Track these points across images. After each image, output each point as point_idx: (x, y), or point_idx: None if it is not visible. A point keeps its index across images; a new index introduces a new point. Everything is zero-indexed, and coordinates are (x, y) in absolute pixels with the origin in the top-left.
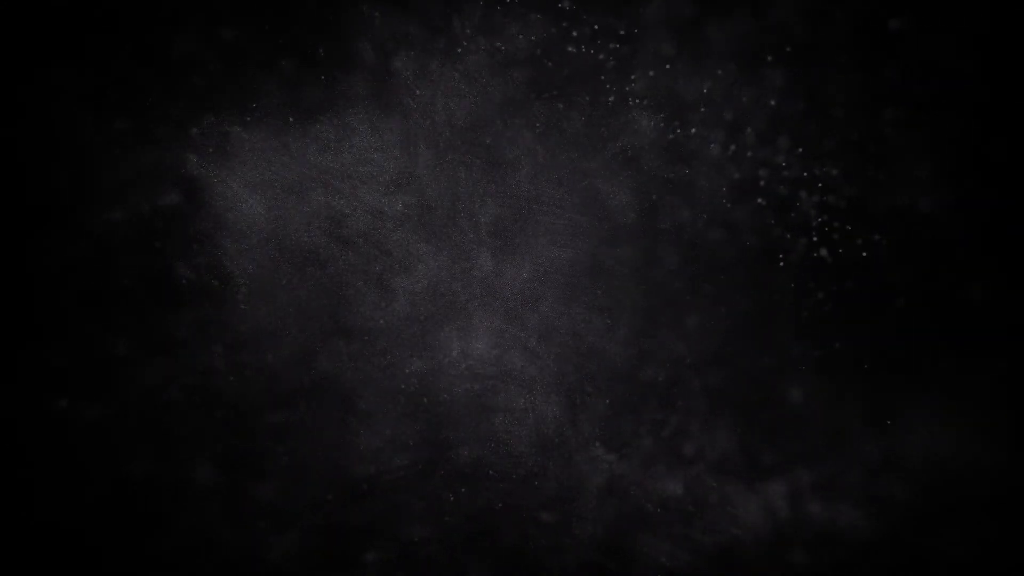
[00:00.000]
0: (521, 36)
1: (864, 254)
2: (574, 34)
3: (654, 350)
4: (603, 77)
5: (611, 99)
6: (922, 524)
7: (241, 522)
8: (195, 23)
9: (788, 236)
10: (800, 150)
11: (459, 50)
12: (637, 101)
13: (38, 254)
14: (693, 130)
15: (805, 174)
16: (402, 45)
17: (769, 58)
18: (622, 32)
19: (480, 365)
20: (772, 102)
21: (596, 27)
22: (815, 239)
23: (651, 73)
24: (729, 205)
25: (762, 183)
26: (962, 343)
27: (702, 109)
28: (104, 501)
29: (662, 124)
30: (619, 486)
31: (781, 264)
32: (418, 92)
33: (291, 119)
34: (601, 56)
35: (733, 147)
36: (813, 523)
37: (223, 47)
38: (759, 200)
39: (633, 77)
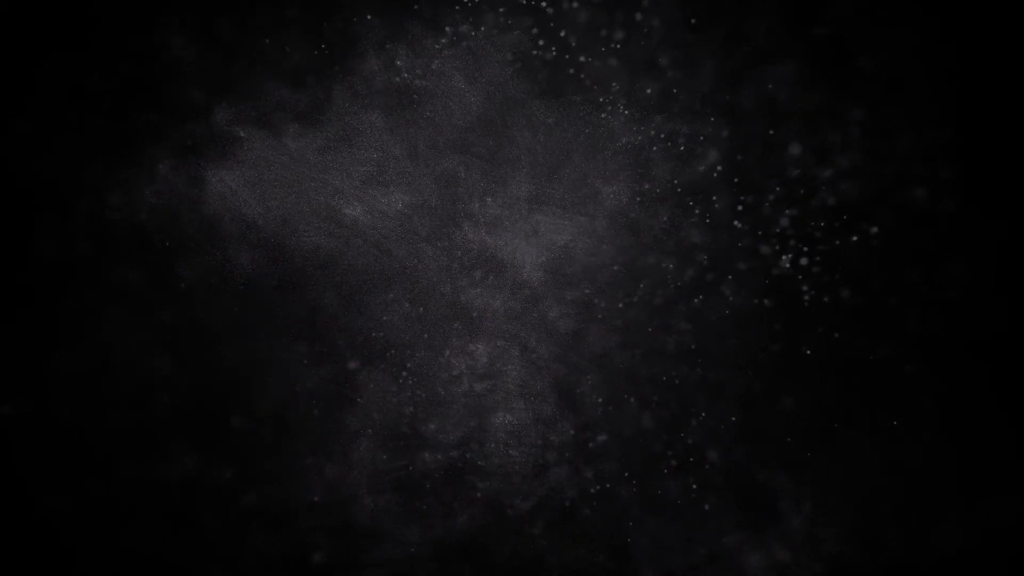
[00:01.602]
0: (521, 37)
1: (859, 253)
2: (572, 38)
3: (652, 349)
4: (607, 82)
5: (612, 103)
6: (917, 524)
7: (236, 523)
8: (195, 23)
9: (783, 236)
10: (796, 151)
11: (459, 50)
12: (622, 107)
13: (35, 254)
14: (687, 132)
15: (799, 174)
16: (402, 45)
17: (764, 60)
18: (617, 44)
19: (480, 365)
20: (766, 103)
21: (594, 32)
22: (810, 240)
23: (647, 76)
24: (726, 206)
25: (757, 185)
26: (958, 343)
27: (699, 111)
28: (100, 501)
29: (654, 130)
30: (618, 486)
31: (779, 265)
32: (418, 92)
33: (291, 119)
34: (600, 59)
35: (729, 149)
36: (807, 524)
37: (223, 47)
38: (755, 202)
39: (615, 85)
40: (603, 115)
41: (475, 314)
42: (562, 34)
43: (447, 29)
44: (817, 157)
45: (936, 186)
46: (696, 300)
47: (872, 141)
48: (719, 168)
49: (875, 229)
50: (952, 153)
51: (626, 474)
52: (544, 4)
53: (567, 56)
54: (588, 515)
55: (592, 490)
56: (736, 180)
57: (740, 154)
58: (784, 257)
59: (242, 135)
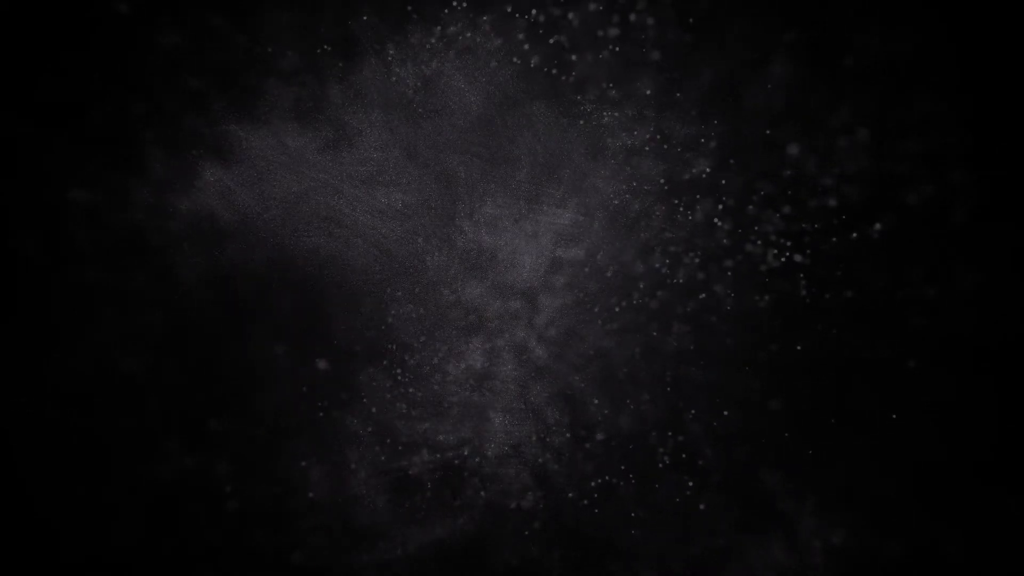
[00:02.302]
0: (522, 37)
1: (859, 252)
2: (570, 38)
3: (651, 349)
4: (605, 82)
5: (612, 103)
6: (917, 524)
7: (235, 523)
8: (195, 22)
9: (782, 236)
10: (793, 151)
11: (459, 51)
12: (621, 108)
13: (33, 253)
14: (686, 132)
15: (793, 175)
16: (402, 45)
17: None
18: (614, 46)
19: (478, 365)
20: (765, 103)
21: (592, 33)
22: (809, 240)
23: (646, 77)
24: (726, 206)
25: (757, 185)
26: (958, 343)
27: (698, 111)
28: (99, 501)
29: (651, 130)
30: (616, 486)
31: (769, 265)
32: (418, 92)
33: (291, 119)
34: (598, 60)
35: (727, 149)
36: (806, 523)
37: (223, 46)
38: (756, 201)
39: (611, 85)
40: (603, 116)
41: (474, 315)
42: (560, 35)
43: (446, 30)
44: (816, 157)
45: (938, 186)
46: (694, 300)
47: (872, 141)
48: (719, 168)
49: (877, 226)
50: (953, 153)
51: (623, 467)
52: (537, 9)
53: (565, 57)
54: (587, 515)
55: (592, 483)
56: (736, 180)
57: (738, 154)
58: (772, 252)
59: (241, 135)
